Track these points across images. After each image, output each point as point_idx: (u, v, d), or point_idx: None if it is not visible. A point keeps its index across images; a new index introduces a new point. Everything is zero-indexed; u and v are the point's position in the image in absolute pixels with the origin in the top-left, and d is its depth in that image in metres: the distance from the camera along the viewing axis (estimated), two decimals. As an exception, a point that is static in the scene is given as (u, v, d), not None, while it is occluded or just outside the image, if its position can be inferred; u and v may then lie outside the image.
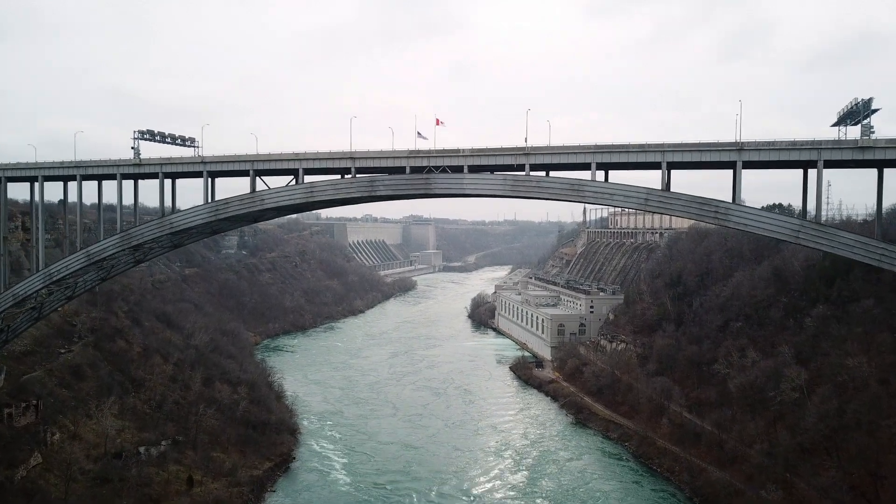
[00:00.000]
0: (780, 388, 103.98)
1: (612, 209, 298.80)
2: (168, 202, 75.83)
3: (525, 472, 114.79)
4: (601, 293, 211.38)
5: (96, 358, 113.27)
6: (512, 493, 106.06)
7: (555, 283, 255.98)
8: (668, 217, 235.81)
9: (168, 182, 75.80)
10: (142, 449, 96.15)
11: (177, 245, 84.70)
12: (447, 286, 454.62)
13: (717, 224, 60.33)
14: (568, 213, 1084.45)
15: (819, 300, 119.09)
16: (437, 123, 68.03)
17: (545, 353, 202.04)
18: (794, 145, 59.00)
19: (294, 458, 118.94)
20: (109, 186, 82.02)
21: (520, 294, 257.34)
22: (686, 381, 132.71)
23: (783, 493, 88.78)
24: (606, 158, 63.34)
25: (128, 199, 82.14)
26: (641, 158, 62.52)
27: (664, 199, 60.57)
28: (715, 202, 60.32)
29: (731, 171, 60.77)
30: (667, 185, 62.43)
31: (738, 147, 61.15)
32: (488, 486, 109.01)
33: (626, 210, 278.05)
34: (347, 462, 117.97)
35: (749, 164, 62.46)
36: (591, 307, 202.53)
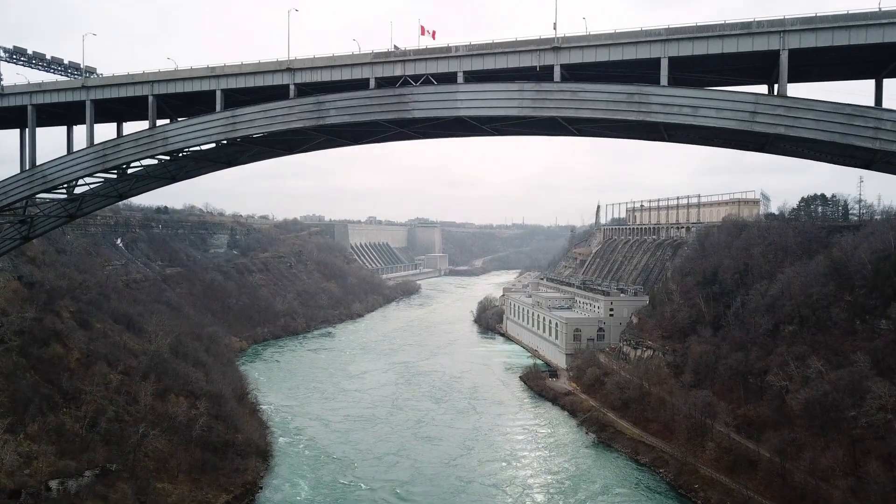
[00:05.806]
0: (863, 406, 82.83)
1: (630, 205, 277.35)
2: (52, 153, 55.33)
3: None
4: (622, 294, 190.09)
5: (18, 366, 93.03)
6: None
7: (569, 284, 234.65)
8: (695, 209, 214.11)
9: (55, 130, 55.59)
10: (54, 483, 75.67)
11: (73, 215, 64.43)
12: (452, 290, 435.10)
13: (879, 149, 36.97)
14: (578, 217, 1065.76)
15: (895, 298, 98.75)
16: (423, 33, 47.18)
17: (559, 360, 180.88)
18: None
19: (261, 489, 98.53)
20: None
21: (530, 296, 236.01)
22: (730, 395, 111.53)
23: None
24: (686, 50, 39.06)
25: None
26: (745, 46, 37.85)
27: (785, 109, 36.28)
28: (874, 111, 36.14)
29: (871, 84, 38.64)
30: (777, 90, 38.30)
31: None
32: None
33: (647, 205, 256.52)
34: (327, 494, 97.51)
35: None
36: (611, 310, 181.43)
